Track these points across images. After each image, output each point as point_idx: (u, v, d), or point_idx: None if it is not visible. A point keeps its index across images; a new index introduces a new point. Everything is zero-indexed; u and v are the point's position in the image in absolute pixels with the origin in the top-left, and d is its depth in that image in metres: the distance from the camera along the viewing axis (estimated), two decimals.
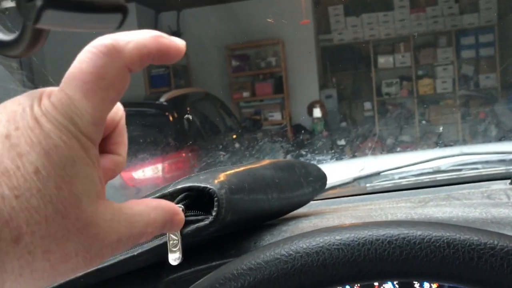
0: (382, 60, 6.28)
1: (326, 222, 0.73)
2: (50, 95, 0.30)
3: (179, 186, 0.54)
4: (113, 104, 0.31)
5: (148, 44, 0.30)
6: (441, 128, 5.82)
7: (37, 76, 3.08)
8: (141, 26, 5.14)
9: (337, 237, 0.35)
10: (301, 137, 5.56)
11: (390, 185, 1.20)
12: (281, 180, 0.71)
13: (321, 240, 0.36)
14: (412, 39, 6.23)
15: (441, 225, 0.35)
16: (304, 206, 0.82)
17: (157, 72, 6.02)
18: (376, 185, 1.20)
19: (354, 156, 3.86)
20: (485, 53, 6.16)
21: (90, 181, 0.30)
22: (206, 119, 4.45)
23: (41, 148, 0.28)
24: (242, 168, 0.63)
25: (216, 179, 0.53)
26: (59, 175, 0.28)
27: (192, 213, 0.52)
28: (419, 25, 6.17)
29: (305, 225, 0.67)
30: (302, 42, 6.10)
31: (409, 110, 6.22)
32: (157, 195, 0.55)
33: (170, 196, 0.54)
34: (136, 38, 0.30)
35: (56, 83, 0.32)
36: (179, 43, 0.33)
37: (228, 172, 0.58)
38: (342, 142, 5.15)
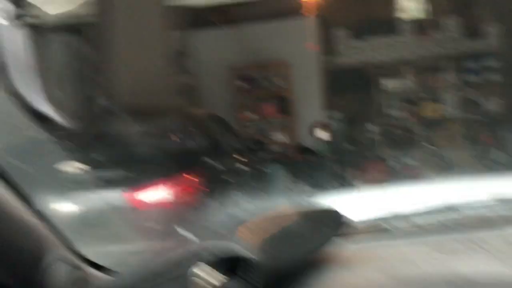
0: (387, 83, 6.31)
1: (354, 277, 0.75)
2: None
3: (223, 254, 0.57)
4: None
5: None
6: (444, 152, 5.81)
7: None
8: None
9: None
10: (305, 159, 5.56)
11: (406, 225, 1.19)
12: (306, 233, 0.75)
13: None
14: (417, 63, 6.27)
15: None
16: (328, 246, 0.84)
17: None
18: (392, 224, 1.19)
19: (362, 183, 3.85)
20: (489, 77, 6.19)
21: None
22: (212, 140, 4.45)
23: None
24: (276, 229, 0.65)
25: (256, 246, 0.56)
26: None
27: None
28: (424, 49, 6.22)
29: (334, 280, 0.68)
30: (308, 64, 6.14)
31: (414, 133, 6.23)
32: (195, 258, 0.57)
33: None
34: None
35: None
36: None
37: (265, 234, 0.61)
38: (346, 165, 5.15)
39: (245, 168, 4.47)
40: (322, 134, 5.61)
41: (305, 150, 5.77)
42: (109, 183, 3.30)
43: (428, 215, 1.27)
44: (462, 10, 6.20)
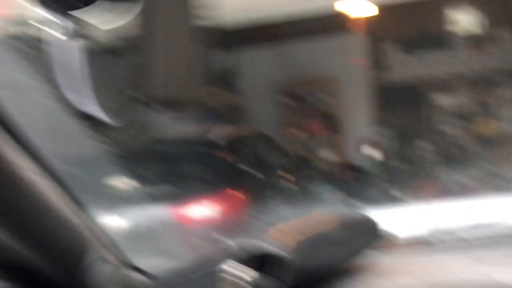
0: (440, 99, 6.14)
1: (388, 284, 0.74)
2: None
3: (254, 252, 0.57)
4: None
5: None
6: (500, 170, 5.56)
7: None
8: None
9: None
10: (354, 177, 5.46)
11: (450, 239, 1.14)
12: (341, 239, 0.75)
13: None
14: (471, 78, 6.07)
15: None
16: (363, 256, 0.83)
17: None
18: (436, 238, 1.15)
19: (411, 200, 3.74)
20: None
21: None
22: (259, 158, 4.46)
23: None
24: (310, 232, 0.69)
25: (290, 246, 0.62)
26: None
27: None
28: (479, 63, 6.02)
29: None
30: (356, 80, 6.08)
31: (468, 151, 6.01)
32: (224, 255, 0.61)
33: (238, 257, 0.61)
34: None
35: None
36: None
37: (299, 236, 0.66)
38: (396, 183, 5.02)
39: (292, 186, 4.44)
40: (372, 152, 5.51)
41: (353, 168, 5.67)
42: (156, 199, 3.36)
43: (475, 230, 1.22)
44: None
